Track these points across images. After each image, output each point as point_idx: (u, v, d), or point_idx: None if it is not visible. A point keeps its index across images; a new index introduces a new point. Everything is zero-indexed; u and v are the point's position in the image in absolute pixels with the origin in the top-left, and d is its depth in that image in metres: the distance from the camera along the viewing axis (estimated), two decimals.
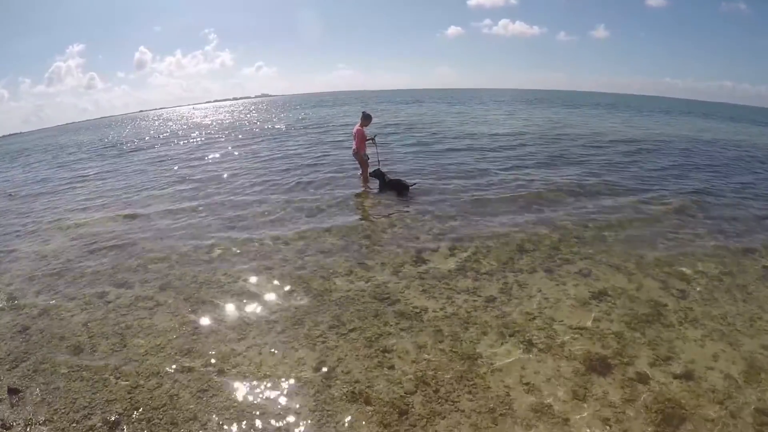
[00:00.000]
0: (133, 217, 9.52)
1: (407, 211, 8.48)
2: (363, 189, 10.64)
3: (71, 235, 8.66)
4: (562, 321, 4.63)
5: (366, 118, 10.70)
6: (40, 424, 3.64)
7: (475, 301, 5.11)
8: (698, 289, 5.37)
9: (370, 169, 10.69)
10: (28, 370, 4.37)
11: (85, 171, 17.85)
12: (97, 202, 11.47)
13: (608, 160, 13.96)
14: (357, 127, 10.55)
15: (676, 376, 3.83)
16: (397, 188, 9.90)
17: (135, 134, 38.42)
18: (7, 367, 4.48)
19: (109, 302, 5.61)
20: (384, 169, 10.47)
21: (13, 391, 4.05)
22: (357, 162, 11.19)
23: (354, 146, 10.60)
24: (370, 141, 10.74)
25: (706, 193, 9.96)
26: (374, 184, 10.45)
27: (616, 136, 19.96)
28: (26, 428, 3.60)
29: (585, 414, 3.43)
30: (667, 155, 15.41)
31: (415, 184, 10.18)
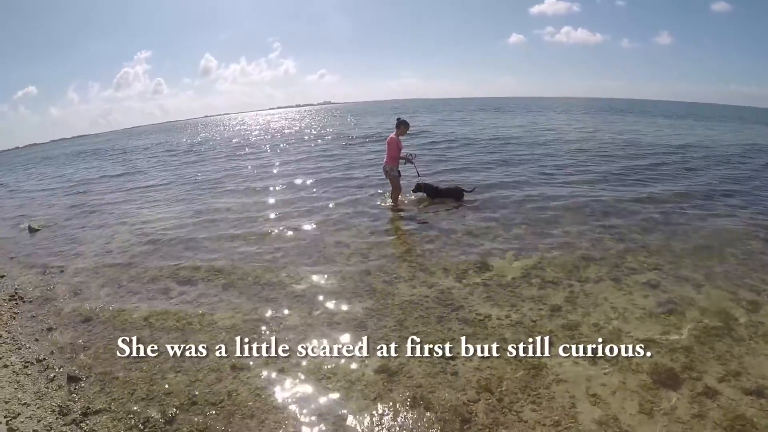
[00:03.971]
0: (199, 217, 9.41)
1: (471, 219, 7.94)
2: (392, 211, 8.83)
3: (137, 232, 8.68)
4: (629, 332, 4.22)
5: (403, 125, 8.67)
6: (96, 413, 3.50)
7: (540, 309, 4.72)
8: None
9: (405, 183, 9.33)
10: (89, 359, 4.27)
11: (155, 173, 18.18)
12: (164, 202, 11.58)
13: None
14: (392, 135, 8.71)
15: (746, 392, 3.39)
16: (453, 195, 9.10)
17: (205, 139, 38.21)
18: (68, 355, 4.40)
19: (172, 298, 5.50)
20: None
21: (72, 379, 3.95)
22: (387, 179, 9.14)
23: (385, 159, 8.76)
24: (404, 160, 8.87)
25: None
26: (406, 207, 9.02)
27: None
28: (83, 416, 3.47)
29: (652, 429, 3.09)
30: None
31: (474, 188, 9.38)
